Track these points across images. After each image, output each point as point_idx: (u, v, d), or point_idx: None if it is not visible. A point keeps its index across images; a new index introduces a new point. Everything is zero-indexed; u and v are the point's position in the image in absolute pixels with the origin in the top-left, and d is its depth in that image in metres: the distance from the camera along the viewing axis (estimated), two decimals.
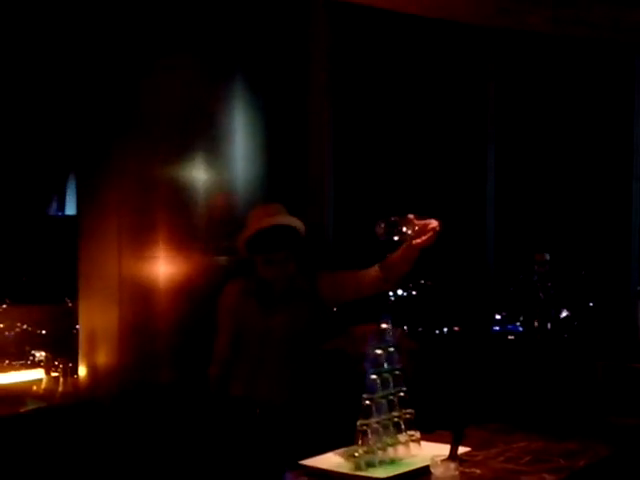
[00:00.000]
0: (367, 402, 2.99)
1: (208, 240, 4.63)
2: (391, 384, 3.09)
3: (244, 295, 3.73)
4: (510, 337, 6.47)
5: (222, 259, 4.57)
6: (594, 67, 6.23)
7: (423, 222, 3.34)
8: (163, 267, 4.57)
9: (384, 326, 3.16)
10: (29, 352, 5.63)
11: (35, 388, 4.89)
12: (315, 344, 3.79)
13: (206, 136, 4.70)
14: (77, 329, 5.09)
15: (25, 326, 6.01)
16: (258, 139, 4.93)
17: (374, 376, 3.03)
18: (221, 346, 3.74)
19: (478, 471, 2.89)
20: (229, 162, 4.79)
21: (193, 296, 4.53)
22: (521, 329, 6.30)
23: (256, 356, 3.67)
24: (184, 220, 4.63)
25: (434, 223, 3.34)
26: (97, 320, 4.83)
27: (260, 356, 3.66)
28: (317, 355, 3.84)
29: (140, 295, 4.61)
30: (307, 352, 3.72)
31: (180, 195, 4.64)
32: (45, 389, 4.84)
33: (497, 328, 6.58)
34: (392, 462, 3.00)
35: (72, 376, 4.90)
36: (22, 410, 4.52)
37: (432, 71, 6.35)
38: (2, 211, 6.57)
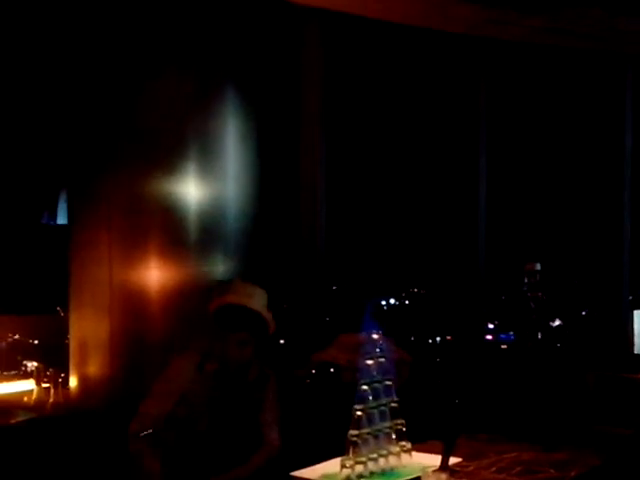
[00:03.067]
0: (358, 412, 2.98)
1: (199, 251, 4.64)
2: (382, 394, 3.09)
3: (197, 372, 3.50)
4: (503, 346, 6.49)
5: (212, 270, 4.58)
6: (585, 78, 6.26)
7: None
8: (154, 277, 4.57)
9: (375, 336, 3.15)
10: (21, 362, 5.60)
11: (26, 399, 4.87)
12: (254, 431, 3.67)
13: (198, 150, 4.71)
14: (69, 339, 5.07)
15: (17, 336, 5.98)
16: (250, 153, 4.95)
17: (365, 386, 3.02)
18: (156, 413, 3.45)
19: None
20: (221, 176, 4.79)
21: (184, 306, 4.53)
22: (513, 338, 6.32)
23: (197, 433, 3.52)
24: (175, 231, 4.64)
25: None
26: (88, 330, 4.82)
27: (201, 434, 3.51)
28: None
29: (131, 305, 4.60)
30: (248, 437, 3.59)
31: (171, 207, 4.64)
32: (36, 400, 4.82)
33: (489, 337, 6.59)
34: (383, 473, 3.00)
35: (63, 387, 4.88)
36: (13, 421, 4.50)
37: (424, 81, 6.37)
38: None
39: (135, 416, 3.46)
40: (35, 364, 5.27)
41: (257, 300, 3.49)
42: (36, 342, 5.97)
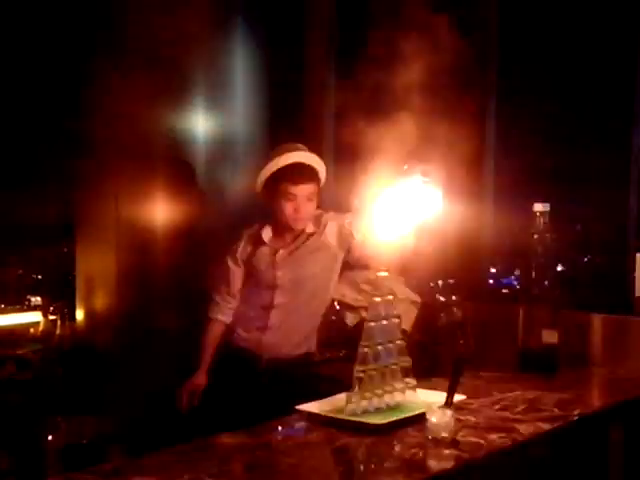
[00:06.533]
0: (365, 349, 3.00)
1: (206, 184, 4.63)
2: (389, 332, 3.10)
3: (259, 241, 3.66)
4: (504, 291, 6.49)
5: (220, 203, 4.58)
6: None
7: None
8: (160, 210, 4.57)
9: (384, 274, 3.15)
10: (25, 297, 5.62)
11: (32, 331, 4.90)
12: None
13: (205, 80, 4.67)
14: (74, 275, 5.09)
15: (21, 271, 5.99)
16: (258, 82, 4.90)
17: (372, 324, 3.03)
18: (232, 292, 3.68)
19: (473, 418, 2.92)
20: (229, 108, 4.75)
21: (191, 239, 4.54)
22: (515, 283, 6.32)
23: (268, 306, 3.60)
24: (182, 164, 4.62)
25: None
26: (94, 264, 4.83)
27: (272, 306, 3.59)
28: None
29: (137, 239, 4.62)
30: (321, 303, 3.68)
31: (178, 140, 4.62)
32: (43, 331, 4.86)
33: (491, 281, 6.59)
34: (388, 409, 3.03)
35: (70, 320, 4.91)
36: (19, 352, 4.54)
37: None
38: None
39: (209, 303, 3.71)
40: (39, 299, 5.30)
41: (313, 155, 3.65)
42: (40, 277, 5.99)
